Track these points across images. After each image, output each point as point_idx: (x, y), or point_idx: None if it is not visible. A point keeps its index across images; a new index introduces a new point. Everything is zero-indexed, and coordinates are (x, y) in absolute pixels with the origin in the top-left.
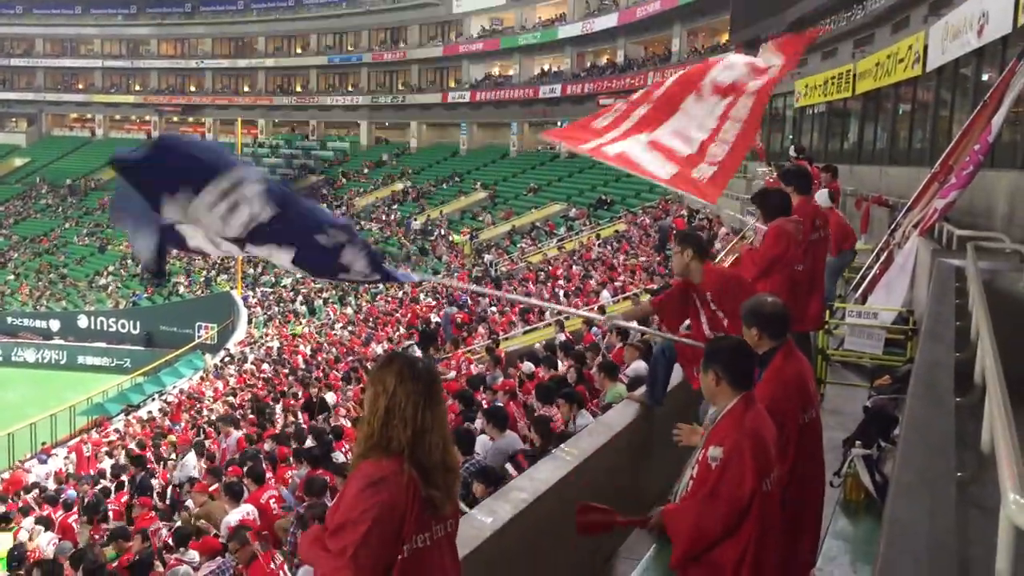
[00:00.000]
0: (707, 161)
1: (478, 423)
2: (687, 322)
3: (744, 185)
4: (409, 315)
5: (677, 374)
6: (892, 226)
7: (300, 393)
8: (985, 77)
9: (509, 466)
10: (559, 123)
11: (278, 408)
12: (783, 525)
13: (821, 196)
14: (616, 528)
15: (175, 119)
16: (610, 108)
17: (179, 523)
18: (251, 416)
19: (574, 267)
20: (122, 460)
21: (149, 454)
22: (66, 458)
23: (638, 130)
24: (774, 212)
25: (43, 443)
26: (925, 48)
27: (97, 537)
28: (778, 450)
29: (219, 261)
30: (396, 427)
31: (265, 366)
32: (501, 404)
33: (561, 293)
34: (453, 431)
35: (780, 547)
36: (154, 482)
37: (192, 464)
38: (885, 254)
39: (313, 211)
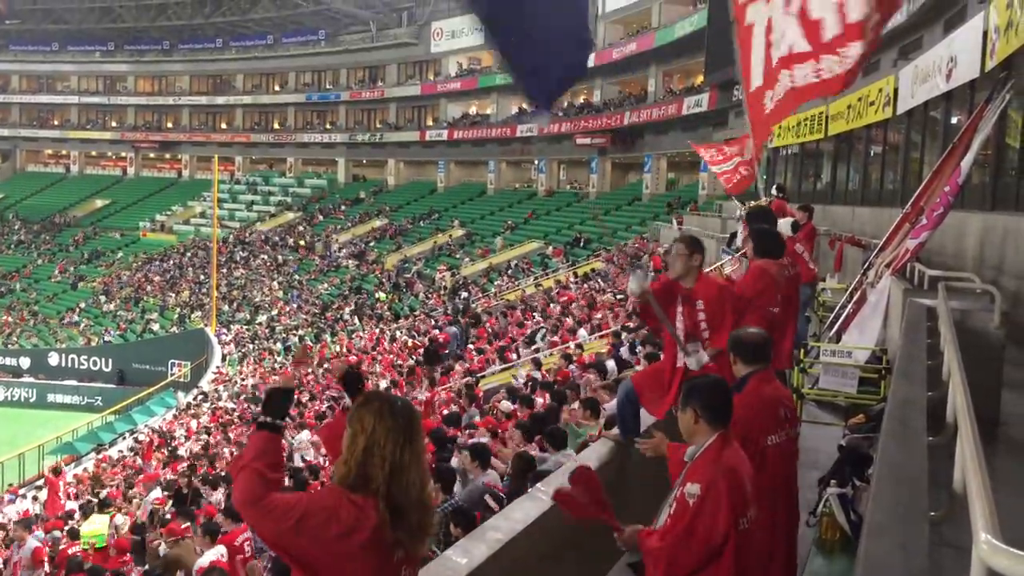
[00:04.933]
0: (776, 89)
1: (454, 461)
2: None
3: (719, 224)
4: (399, 346)
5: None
6: (865, 266)
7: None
8: (954, 120)
9: (489, 498)
10: (536, 162)
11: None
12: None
13: (783, 225)
14: (594, 520)
15: (151, 155)
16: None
17: (147, 566)
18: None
19: (551, 305)
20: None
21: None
22: (34, 499)
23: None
24: (764, 252)
25: (10, 484)
26: (895, 91)
27: None
28: (755, 487)
29: (191, 298)
30: (375, 465)
31: (230, 404)
32: (484, 441)
33: (539, 332)
34: (434, 470)
35: None
36: (121, 518)
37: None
38: (858, 293)
39: None
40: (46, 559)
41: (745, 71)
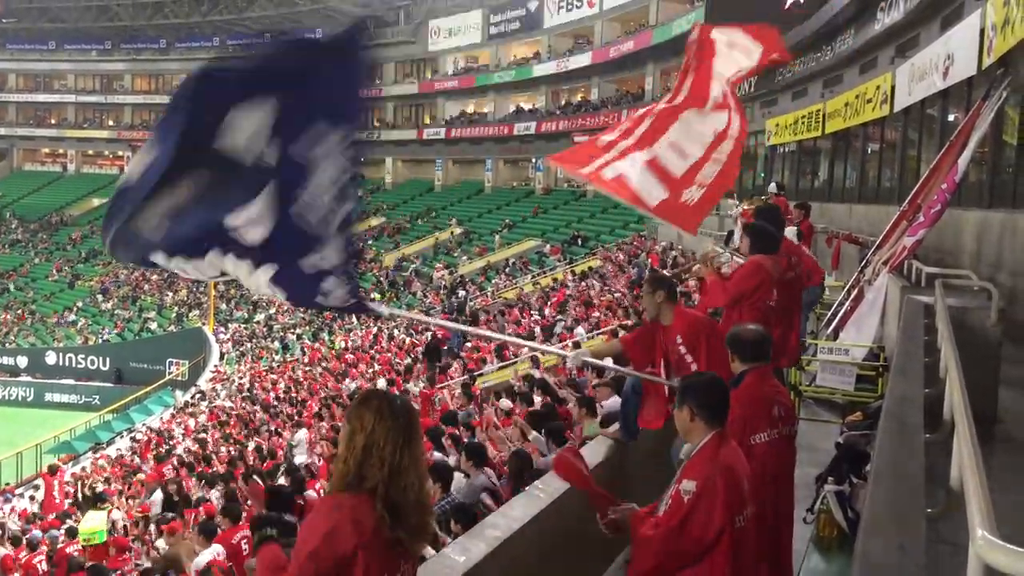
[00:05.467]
0: (697, 183)
1: (452, 459)
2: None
3: (717, 222)
4: (391, 347)
5: None
6: (862, 263)
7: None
8: (951, 117)
9: (486, 497)
10: (533, 160)
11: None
12: None
13: (788, 232)
14: (585, 490)
15: None
16: (616, 124)
17: (147, 564)
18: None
19: (548, 304)
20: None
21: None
22: (31, 497)
23: (639, 146)
24: (760, 248)
25: (7, 483)
26: (892, 89)
27: None
28: (752, 485)
29: (189, 296)
30: (373, 466)
31: (228, 403)
32: (479, 440)
33: (537, 329)
34: (431, 466)
35: None
36: (117, 514)
37: (159, 500)
38: (856, 291)
39: (323, 221)
40: (43, 560)
41: (646, 208)
